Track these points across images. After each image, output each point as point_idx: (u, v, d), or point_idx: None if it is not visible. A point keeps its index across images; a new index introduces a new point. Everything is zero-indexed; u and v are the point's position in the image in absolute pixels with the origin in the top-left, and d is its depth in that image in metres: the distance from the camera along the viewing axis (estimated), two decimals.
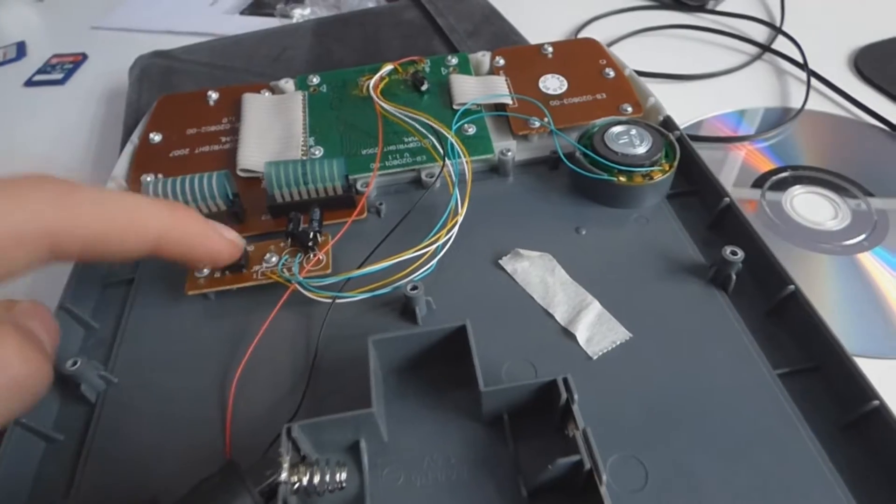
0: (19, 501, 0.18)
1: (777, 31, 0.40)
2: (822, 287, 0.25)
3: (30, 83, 0.44)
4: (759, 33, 0.41)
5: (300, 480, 0.16)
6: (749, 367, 0.19)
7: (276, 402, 0.20)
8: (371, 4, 0.46)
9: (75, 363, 0.19)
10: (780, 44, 0.39)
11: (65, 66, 0.46)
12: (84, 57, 0.47)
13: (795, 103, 0.35)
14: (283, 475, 0.15)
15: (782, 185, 0.30)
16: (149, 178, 0.25)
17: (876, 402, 0.17)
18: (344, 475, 0.16)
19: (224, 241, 0.17)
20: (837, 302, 0.25)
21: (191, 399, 0.20)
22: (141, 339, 0.22)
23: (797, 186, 0.30)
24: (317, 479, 0.16)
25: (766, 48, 0.39)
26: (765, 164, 0.31)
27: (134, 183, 0.27)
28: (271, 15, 0.48)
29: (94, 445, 0.19)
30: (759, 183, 0.30)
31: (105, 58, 0.46)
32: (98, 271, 0.24)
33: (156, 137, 0.28)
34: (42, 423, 0.19)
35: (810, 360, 0.19)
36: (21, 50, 0.48)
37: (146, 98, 0.35)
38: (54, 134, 0.38)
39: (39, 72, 0.45)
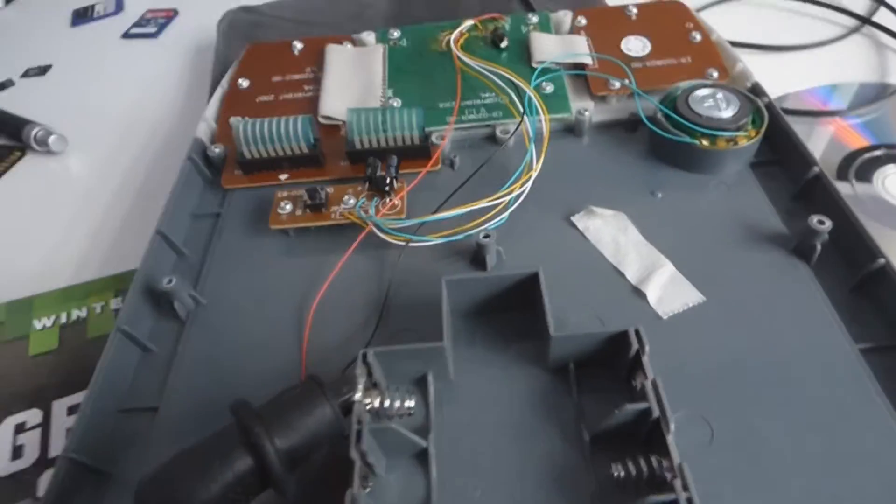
0: (119, 398, 0.19)
1: (879, 2, 0.37)
2: None
3: (126, 35, 0.47)
4: (859, 5, 0.38)
5: (372, 402, 0.16)
6: (829, 339, 0.19)
7: (349, 335, 0.20)
8: None
9: (171, 281, 0.21)
10: (882, 16, 0.36)
11: (158, 21, 0.48)
12: (175, 12, 0.49)
13: (894, 80, 0.32)
14: (358, 394, 0.16)
15: (874, 165, 0.28)
16: (237, 120, 0.27)
17: None
18: (412, 402, 0.17)
19: None
20: None
21: (270, 325, 0.21)
22: (226, 268, 0.23)
23: (890, 165, 0.28)
24: (387, 403, 0.17)
25: (865, 20, 0.36)
26: (856, 141, 0.30)
27: (223, 124, 0.28)
28: None
29: (184, 358, 0.20)
30: (849, 160, 0.29)
31: (195, 14, 0.48)
32: (189, 203, 0.25)
33: (244, 83, 0.29)
34: (140, 333, 0.20)
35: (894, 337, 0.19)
36: (119, 4, 0.51)
37: (233, 49, 0.37)
38: (148, 83, 0.40)
39: (135, 25, 0.48)
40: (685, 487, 0.14)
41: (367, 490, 0.16)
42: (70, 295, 0.26)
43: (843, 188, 0.27)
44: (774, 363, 0.18)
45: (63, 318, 0.25)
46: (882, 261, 0.19)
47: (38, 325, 0.25)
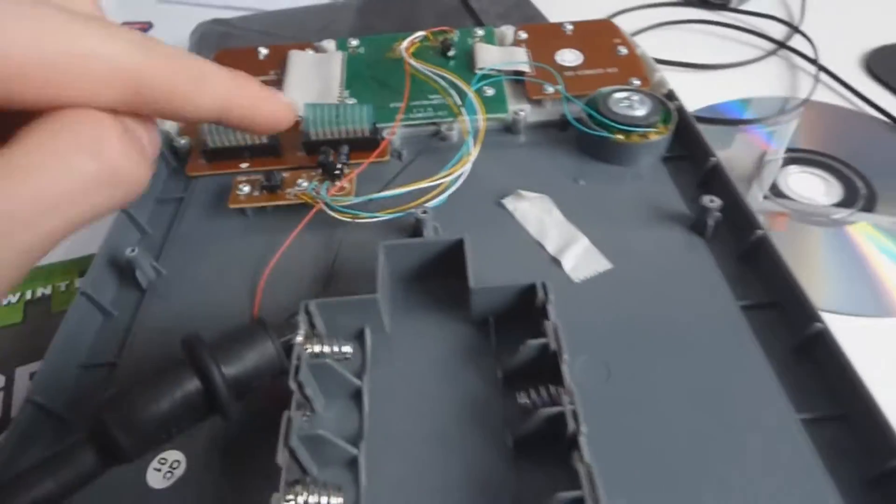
0: (79, 355, 0.21)
1: (794, 29, 0.42)
2: (813, 255, 0.27)
3: None
4: (778, 32, 0.43)
5: (312, 347, 0.19)
6: (717, 299, 0.22)
7: (298, 301, 0.23)
8: None
9: (133, 250, 0.23)
10: (796, 42, 0.41)
11: None
12: (150, 25, 0.51)
13: (803, 95, 0.36)
14: (300, 338, 0.18)
15: (778, 165, 0.32)
16: None
17: (819, 326, 0.19)
18: (349, 348, 0.19)
19: (284, 104, 0.17)
20: (825, 266, 0.27)
21: (226, 293, 0.23)
22: (187, 244, 0.25)
23: (793, 166, 0.32)
24: (326, 349, 0.19)
25: (781, 44, 0.41)
26: (765, 147, 0.33)
27: None
28: None
29: (143, 322, 0.22)
30: (757, 164, 0.32)
31: (168, 26, 0.51)
32: (154, 189, 0.28)
33: None
34: (102, 299, 0.22)
35: (771, 295, 0.21)
36: None
37: (204, 56, 0.39)
38: None
39: None
40: (571, 402, 0.16)
41: (304, 419, 0.18)
42: (35, 275, 0.28)
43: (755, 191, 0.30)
44: (668, 318, 0.21)
45: (28, 295, 0.27)
46: (760, 232, 0.22)
47: (3, 300, 0.27)
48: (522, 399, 0.18)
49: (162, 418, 0.15)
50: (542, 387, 0.18)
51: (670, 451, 0.18)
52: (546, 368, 0.18)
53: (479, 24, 0.41)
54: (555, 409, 0.16)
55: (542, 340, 0.18)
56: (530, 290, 0.20)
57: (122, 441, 0.15)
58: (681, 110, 0.28)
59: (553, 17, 0.42)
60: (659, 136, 0.27)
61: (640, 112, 0.27)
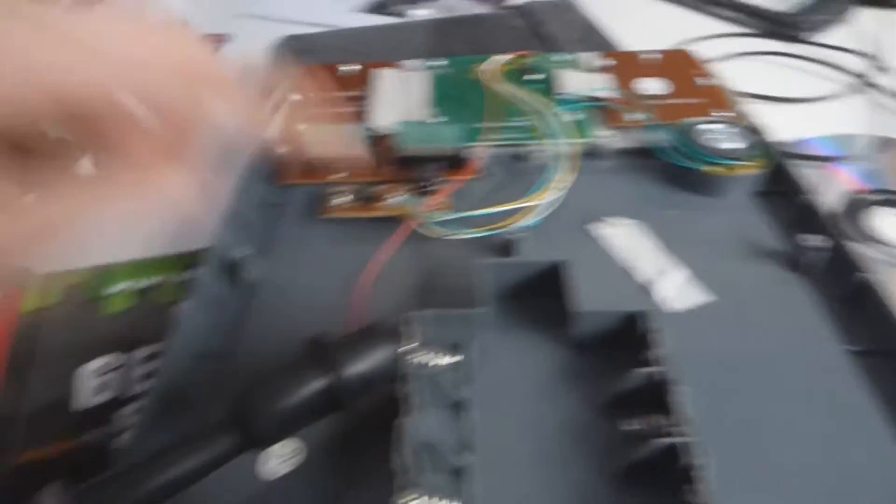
0: (192, 350, 0.22)
1: (874, 63, 0.41)
2: None
3: None
4: (857, 65, 0.42)
5: (418, 357, 0.19)
6: (819, 341, 0.21)
7: (390, 313, 0.23)
8: (480, 11, 0.50)
9: (243, 250, 0.24)
10: (881, 78, 0.40)
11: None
12: (228, 38, 0.53)
13: (889, 133, 0.36)
14: (409, 346, 0.19)
15: (868, 206, 0.31)
16: (301, 127, 0.30)
17: None
18: (452, 359, 0.20)
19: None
20: None
21: (321, 299, 0.24)
22: (285, 249, 0.26)
23: (885, 208, 0.31)
24: (430, 359, 0.19)
25: (862, 79, 0.40)
26: (852, 187, 0.33)
27: (284, 130, 0.31)
28: (391, 14, 0.53)
29: (249, 320, 0.23)
30: (845, 203, 0.32)
31: (244, 40, 0.52)
32: (254, 194, 0.28)
33: (300, 97, 0.33)
34: (212, 294, 0.23)
35: (879, 342, 0.21)
36: None
37: (284, 71, 0.41)
38: None
39: None
40: (688, 434, 0.16)
41: (414, 426, 0.18)
42: (143, 265, 0.29)
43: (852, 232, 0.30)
44: (769, 357, 0.21)
45: (139, 285, 0.28)
46: (865, 275, 0.22)
47: (115, 288, 0.28)
48: (629, 427, 0.18)
49: (296, 409, 0.16)
50: (652, 415, 0.18)
51: (774, 498, 0.18)
52: (651, 397, 0.18)
53: (550, 49, 0.42)
54: (672, 440, 0.16)
55: (652, 369, 0.18)
56: (635, 318, 0.20)
57: (261, 427, 0.15)
58: (771, 145, 0.28)
59: (622, 45, 0.42)
60: (753, 171, 0.27)
61: (732, 144, 0.27)
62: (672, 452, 0.16)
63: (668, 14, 0.51)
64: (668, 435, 0.17)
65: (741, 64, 0.44)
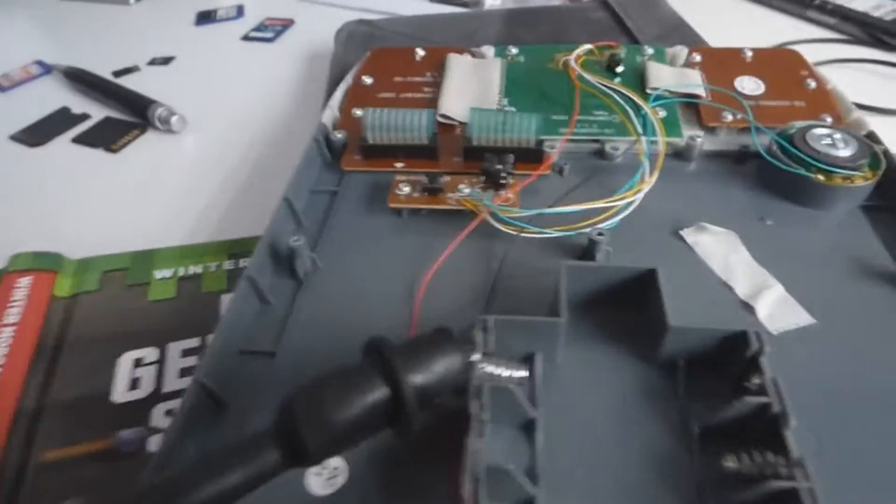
0: (240, 341, 0.21)
1: None
2: None
3: (245, 38, 0.50)
4: None
5: (487, 366, 0.17)
6: None
7: (455, 312, 0.21)
8: (556, 3, 0.48)
9: (297, 240, 0.22)
10: None
11: (275, 28, 0.52)
12: (292, 22, 0.52)
13: None
14: (478, 355, 0.17)
15: None
16: (359, 112, 0.28)
17: None
18: (524, 374, 0.18)
19: None
20: None
21: (380, 294, 0.22)
22: (341, 239, 0.24)
23: None
24: (500, 371, 0.17)
25: None
26: None
27: (346, 114, 0.30)
28: (461, 4, 0.52)
29: (300, 313, 0.22)
30: None
31: (309, 24, 0.52)
32: (309, 180, 0.27)
33: (367, 80, 0.32)
34: (263, 286, 0.22)
35: None
36: (240, 11, 0.55)
37: (351, 56, 0.39)
38: (262, 80, 0.43)
39: (254, 30, 0.52)
40: (807, 478, 0.14)
41: (483, 446, 0.16)
42: (187, 252, 0.28)
43: None
44: (884, 387, 0.18)
45: (181, 272, 0.27)
46: None
47: (157, 275, 0.27)
48: (732, 462, 0.15)
49: (351, 423, 0.14)
50: (757, 452, 0.15)
51: None
52: (755, 430, 0.16)
53: (635, 43, 0.39)
54: (793, 484, 0.14)
55: (762, 400, 0.15)
56: (737, 337, 0.17)
57: (310, 442, 0.13)
58: (888, 155, 0.25)
59: (713, 42, 0.39)
60: (864, 182, 0.24)
61: (845, 153, 0.24)
62: (789, 498, 0.14)
63: (757, 16, 0.47)
64: (781, 477, 0.14)
65: (837, 71, 0.40)
